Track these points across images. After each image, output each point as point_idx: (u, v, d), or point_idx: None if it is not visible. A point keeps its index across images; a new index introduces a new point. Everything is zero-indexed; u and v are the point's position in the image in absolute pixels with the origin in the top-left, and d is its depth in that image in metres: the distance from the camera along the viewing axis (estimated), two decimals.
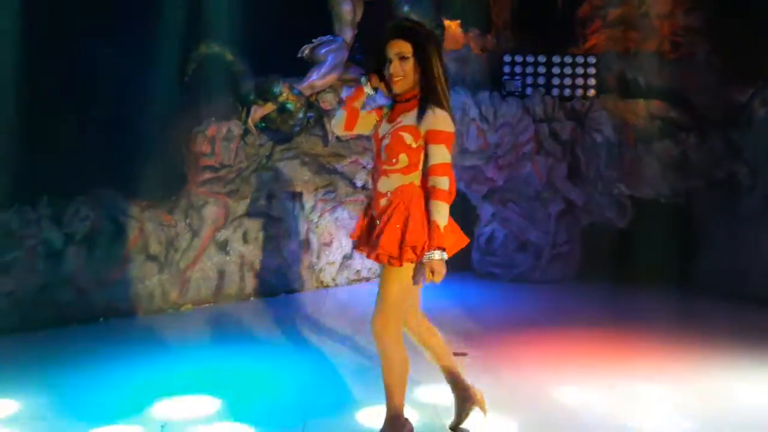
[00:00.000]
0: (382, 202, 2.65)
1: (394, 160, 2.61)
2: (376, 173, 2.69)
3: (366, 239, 2.71)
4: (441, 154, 2.57)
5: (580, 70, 6.72)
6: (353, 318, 4.78)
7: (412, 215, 2.58)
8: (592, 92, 6.66)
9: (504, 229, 6.34)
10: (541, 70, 6.76)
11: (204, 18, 5.40)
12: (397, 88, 2.63)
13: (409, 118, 2.61)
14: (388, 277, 2.62)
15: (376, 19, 6.38)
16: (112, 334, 4.53)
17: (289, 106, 5.65)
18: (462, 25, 7.31)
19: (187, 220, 5.31)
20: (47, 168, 4.58)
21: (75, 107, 4.73)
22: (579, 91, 6.68)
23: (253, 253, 5.56)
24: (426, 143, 2.59)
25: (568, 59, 6.75)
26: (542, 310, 5.31)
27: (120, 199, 5.06)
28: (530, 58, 6.76)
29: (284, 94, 5.62)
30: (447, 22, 6.90)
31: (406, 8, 6.48)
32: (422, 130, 2.58)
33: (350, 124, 2.75)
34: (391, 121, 2.67)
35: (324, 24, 6.15)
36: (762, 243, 5.34)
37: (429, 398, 3.37)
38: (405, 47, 2.58)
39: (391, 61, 2.60)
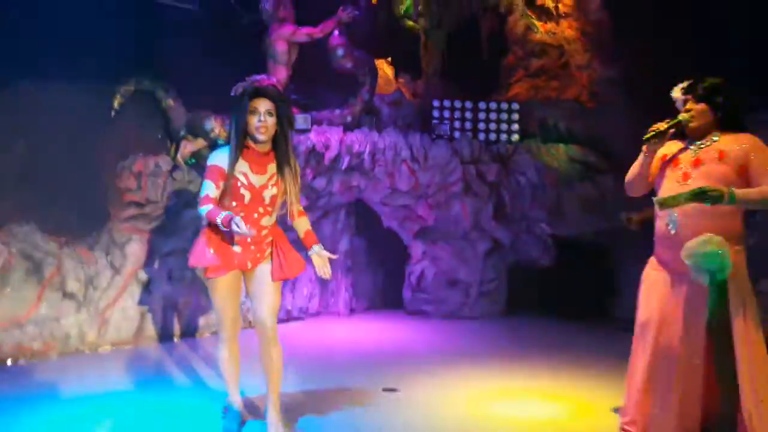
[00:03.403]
0: (264, 232, 3.24)
1: (271, 208, 3.23)
2: (251, 213, 3.17)
3: (241, 262, 3.22)
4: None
5: (504, 116, 7.05)
6: (284, 358, 4.67)
7: (286, 240, 3.32)
8: (515, 137, 6.97)
9: (434, 267, 6.44)
10: (468, 115, 7.04)
11: (135, 52, 5.32)
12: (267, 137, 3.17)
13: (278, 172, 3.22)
14: (278, 289, 3.28)
15: (311, 60, 6.49)
16: (22, 377, 4.23)
17: (221, 142, 5.59)
18: (394, 71, 7.55)
19: (109, 257, 5.10)
20: None
21: None
22: (504, 136, 6.98)
23: (177, 292, 5.38)
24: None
25: (493, 105, 7.07)
26: (469, 345, 5.37)
27: (36, 235, 4.80)
28: (458, 104, 7.03)
29: (216, 130, 5.57)
30: (380, 68, 7.09)
31: (340, 52, 6.63)
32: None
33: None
34: (257, 171, 3.17)
35: (258, 62, 6.18)
36: None
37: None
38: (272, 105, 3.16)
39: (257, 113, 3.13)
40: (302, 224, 3.35)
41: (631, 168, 3.21)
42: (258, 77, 3.19)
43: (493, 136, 6.99)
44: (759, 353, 2.91)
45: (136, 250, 5.21)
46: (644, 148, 3.07)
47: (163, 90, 5.66)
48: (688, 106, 3.04)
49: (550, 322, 6.11)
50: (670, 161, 3.08)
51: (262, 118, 3.10)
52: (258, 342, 3.30)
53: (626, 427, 3.13)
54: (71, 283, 4.85)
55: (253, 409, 3.57)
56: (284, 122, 3.17)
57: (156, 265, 5.29)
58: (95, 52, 4.95)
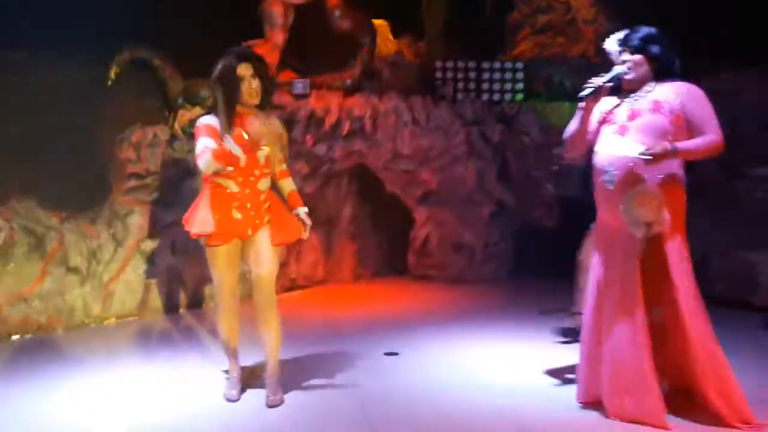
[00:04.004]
0: (262, 197, 3.24)
1: (266, 169, 3.22)
2: (248, 176, 3.15)
3: (242, 229, 3.19)
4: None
5: (508, 75, 6.88)
6: (290, 327, 4.69)
7: (282, 205, 3.34)
8: (519, 96, 6.82)
9: (439, 231, 6.39)
10: (472, 75, 6.88)
11: (130, 20, 5.22)
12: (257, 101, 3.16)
13: (266, 131, 3.13)
14: (277, 255, 3.28)
15: (308, 23, 6.35)
16: (28, 351, 4.28)
17: None
18: (394, 32, 7.38)
19: (111, 231, 5.10)
20: None
21: None
22: (508, 96, 6.83)
23: (181, 263, 5.38)
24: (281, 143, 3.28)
25: (497, 65, 6.90)
26: (473, 309, 5.35)
27: (37, 210, 4.81)
28: (461, 64, 6.87)
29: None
30: (379, 29, 6.93)
31: (337, 13, 6.48)
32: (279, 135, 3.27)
33: None
34: (250, 134, 3.10)
35: (254, 27, 6.06)
36: None
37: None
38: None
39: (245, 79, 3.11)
40: (286, 185, 3.40)
41: (569, 125, 3.12)
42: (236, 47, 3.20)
43: (497, 97, 6.84)
44: (698, 306, 2.89)
45: (138, 221, 5.21)
46: (580, 104, 2.99)
47: (159, 59, 5.58)
48: (624, 57, 2.95)
49: (556, 285, 6.04)
50: (606, 116, 3.00)
51: (254, 84, 3.10)
52: (256, 309, 3.30)
53: (581, 400, 3.13)
54: (74, 257, 4.86)
55: (254, 377, 3.59)
56: (266, 81, 3.17)
57: (158, 236, 5.29)
58: (88, 21, 4.86)
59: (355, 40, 6.54)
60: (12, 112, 4.78)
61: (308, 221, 3.35)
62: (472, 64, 6.87)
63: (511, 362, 3.95)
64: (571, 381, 3.52)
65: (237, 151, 3.06)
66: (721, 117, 5.15)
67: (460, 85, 6.84)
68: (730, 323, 4.62)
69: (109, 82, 5.39)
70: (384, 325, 4.87)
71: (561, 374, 3.69)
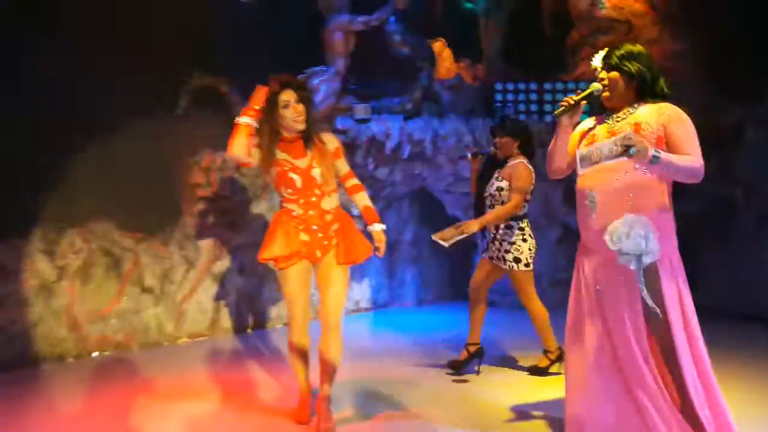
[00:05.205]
0: (328, 217, 3.27)
1: (327, 187, 3.25)
2: (309, 197, 3.21)
3: (310, 251, 3.23)
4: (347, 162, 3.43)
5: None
6: (353, 350, 4.70)
7: (352, 225, 3.35)
8: (584, 117, 6.72)
9: None
10: (533, 96, 6.83)
11: (196, 49, 5.42)
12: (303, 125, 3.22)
13: (315, 151, 3.24)
14: (345, 277, 3.29)
15: (370, 49, 6.46)
16: (107, 368, 4.43)
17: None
18: (453, 55, 7.43)
19: (183, 252, 5.26)
20: (39, 201, 4.55)
21: (65, 139, 4.70)
22: None
23: (250, 284, 5.49)
24: (335, 159, 3.32)
25: (559, 86, 6.84)
26: (538, 336, 5.22)
27: (114, 231, 5.01)
28: (521, 86, 6.83)
29: None
30: (437, 53, 6.98)
31: (397, 38, 6.58)
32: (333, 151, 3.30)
33: (249, 151, 3.16)
34: (297, 156, 3.22)
35: (317, 54, 6.20)
36: (761, 262, 5.33)
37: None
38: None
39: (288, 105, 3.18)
40: (359, 199, 3.40)
41: (550, 146, 2.99)
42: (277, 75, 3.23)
43: None
44: (697, 343, 2.67)
45: (208, 244, 5.36)
46: (558, 124, 2.88)
47: (225, 85, 5.75)
48: (601, 75, 2.83)
49: None
50: (586, 136, 2.88)
51: (298, 109, 3.17)
52: (321, 331, 3.31)
53: None
54: (148, 277, 5.04)
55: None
56: (307, 104, 3.23)
57: (228, 258, 5.42)
58: (161, 48, 5.05)
59: (414, 64, 6.61)
60: (90, 141, 5.00)
61: (383, 237, 3.30)
62: (533, 85, 6.83)
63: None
64: None
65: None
66: None
67: (521, 106, 6.79)
68: None
69: (180, 110, 5.58)
70: (448, 350, 4.82)
71: None
